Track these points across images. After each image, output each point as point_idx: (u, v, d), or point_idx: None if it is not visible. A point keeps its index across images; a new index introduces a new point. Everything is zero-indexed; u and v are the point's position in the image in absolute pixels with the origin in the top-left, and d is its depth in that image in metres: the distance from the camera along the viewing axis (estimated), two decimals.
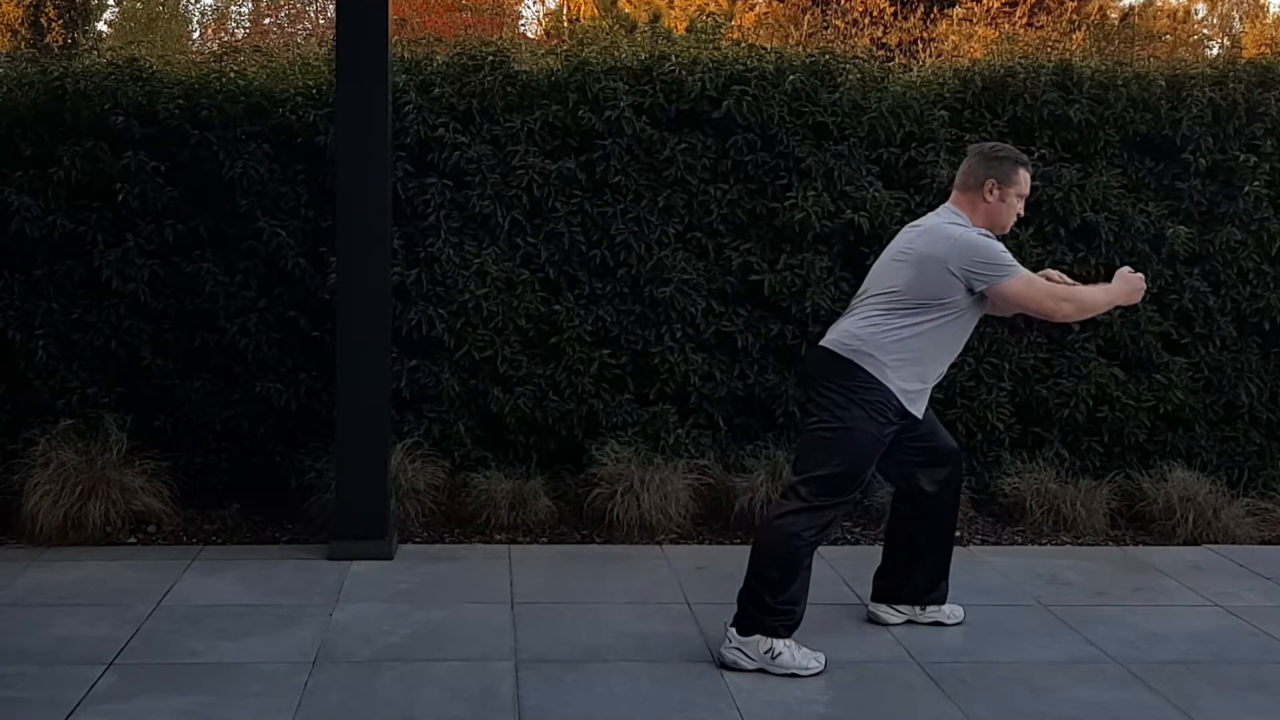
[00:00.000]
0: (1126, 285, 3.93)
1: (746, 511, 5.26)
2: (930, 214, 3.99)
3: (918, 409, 3.85)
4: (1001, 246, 3.78)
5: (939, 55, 14.32)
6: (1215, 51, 21.73)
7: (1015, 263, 3.76)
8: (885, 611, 4.22)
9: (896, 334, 3.75)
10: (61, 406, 5.36)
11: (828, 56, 5.65)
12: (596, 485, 5.28)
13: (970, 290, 3.73)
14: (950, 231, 3.79)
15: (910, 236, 3.89)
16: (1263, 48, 20.26)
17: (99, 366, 5.45)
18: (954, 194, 3.95)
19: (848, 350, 3.78)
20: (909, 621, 4.21)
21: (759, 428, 5.62)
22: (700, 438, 5.57)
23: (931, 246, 3.77)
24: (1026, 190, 3.94)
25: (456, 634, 4.08)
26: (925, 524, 4.12)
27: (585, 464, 5.44)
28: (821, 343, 3.91)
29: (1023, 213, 3.97)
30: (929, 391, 3.90)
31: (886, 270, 3.87)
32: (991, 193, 3.85)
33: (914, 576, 4.18)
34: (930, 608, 4.22)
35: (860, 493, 3.94)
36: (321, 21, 21.72)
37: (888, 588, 4.23)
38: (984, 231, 3.82)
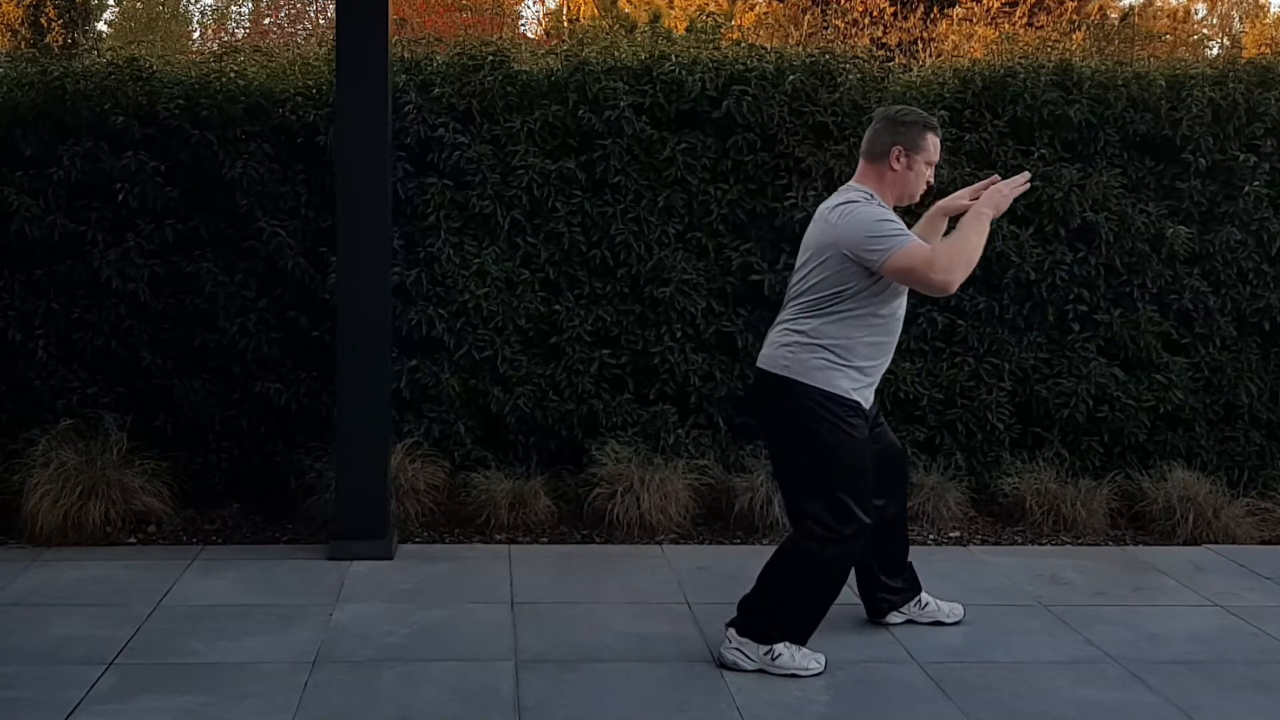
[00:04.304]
0: (990, 202, 3.62)
1: (746, 511, 5.26)
2: (832, 195, 3.77)
3: (868, 400, 3.72)
4: (887, 216, 3.55)
5: (939, 55, 14.32)
6: (1215, 51, 21.71)
7: (899, 234, 3.47)
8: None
9: (822, 336, 3.59)
10: (61, 406, 5.36)
11: (828, 56, 5.65)
12: (596, 485, 5.28)
13: (869, 272, 3.51)
14: (835, 215, 3.59)
15: (810, 228, 3.73)
16: (1263, 48, 20.25)
17: (99, 366, 5.45)
18: (860, 164, 3.72)
19: (782, 368, 3.63)
20: (909, 621, 4.21)
21: (759, 428, 5.62)
22: (700, 438, 5.57)
23: (824, 234, 3.60)
24: (935, 157, 3.70)
25: (456, 634, 4.08)
26: (883, 522, 3.98)
27: (585, 464, 5.44)
28: (758, 362, 3.76)
29: (932, 181, 3.74)
30: (876, 382, 3.75)
31: (799, 267, 3.72)
32: (899, 160, 3.63)
33: (891, 576, 4.14)
34: (929, 607, 4.21)
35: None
36: (321, 21, 21.73)
37: (877, 600, 4.19)
38: (878, 203, 3.60)
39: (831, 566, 3.70)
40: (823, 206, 3.72)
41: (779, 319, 3.76)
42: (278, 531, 5.27)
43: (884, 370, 3.77)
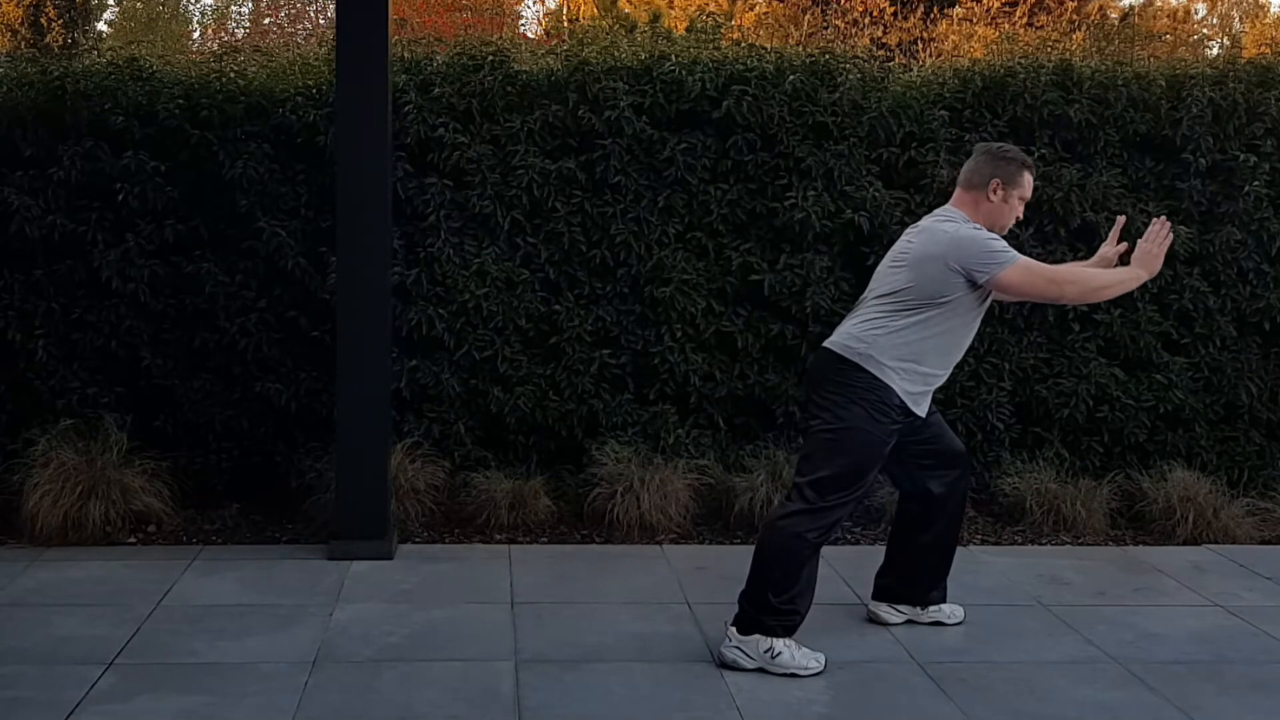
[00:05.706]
0: (1143, 264, 3.86)
1: (746, 511, 5.26)
2: (927, 215, 4.02)
3: (920, 408, 3.85)
4: (996, 236, 3.81)
5: (939, 55, 14.32)
6: (1215, 51, 21.70)
7: (1011, 250, 3.76)
8: (886, 611, 4.22)
9: (898, 334, 3.76)
10: (61, 406, 5.36)
11: (828, 56, 5.64)
12: (596, 485, 5.28)
13: (973, 284, 3.74)
14: (944, 228, 3.83)
15: (907, 239, 3.93)
16: (1263, 48, 20.24)
17: (99, 366, 5.45)
18: (957, 192, 3.97)
19: (849, 351, 3.80)
20: (909, 621, 4.21)
21: (759, 428, 5.62)
22: (700, 438, 5.57)
23: (928, 246, 3.80)
24: (1029, 194, 3.96)
25: (456, 634, 4.08)
26: (932, 525, 4.12)
27: (585, 464, 5.44)
28: (824, 344, 3.93)
29: (1021, 216, 3.99)
30: (931, 392, 3.91)
31: (887, 273, 3.90)
32: (995, 193, 3.88)
33: (917, 576, 4.19)
34: (931, 608, 4.22)
35: (865, 493, 3.93)
36: (321, 21, 21.74)
37: (889, 587, 4.23)
38: (977, 226, 3.84)
39: (799, 538, 3.74)
40: (924, 220, 3.97)
41: (858, 313, 3.91)
42: (278, 531, 5.27)
43: (942, 382, 3.93)
